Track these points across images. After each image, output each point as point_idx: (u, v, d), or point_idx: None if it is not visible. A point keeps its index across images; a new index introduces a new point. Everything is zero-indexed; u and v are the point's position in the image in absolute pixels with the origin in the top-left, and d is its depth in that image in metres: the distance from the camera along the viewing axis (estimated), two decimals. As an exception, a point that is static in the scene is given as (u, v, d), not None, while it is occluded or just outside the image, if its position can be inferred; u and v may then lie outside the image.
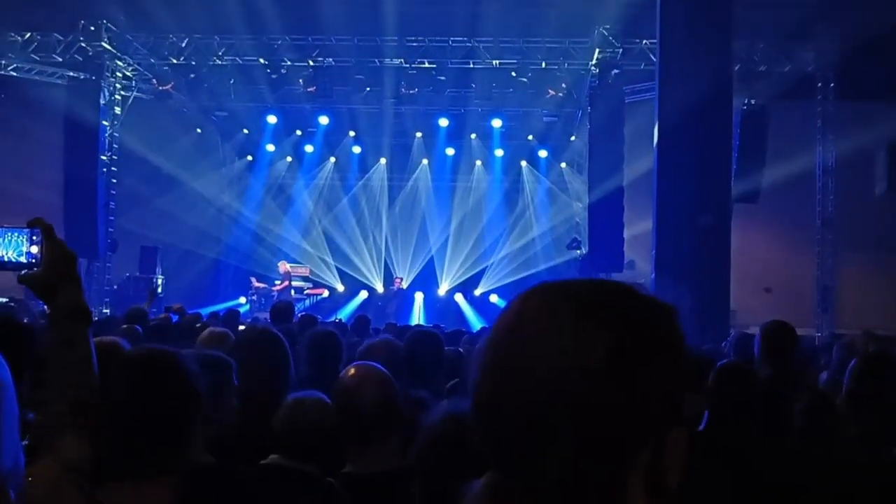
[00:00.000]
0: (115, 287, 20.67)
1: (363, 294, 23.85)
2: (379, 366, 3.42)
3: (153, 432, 2.29)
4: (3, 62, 19.77)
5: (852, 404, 3.84)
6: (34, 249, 2.11)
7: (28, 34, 19.20)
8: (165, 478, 2.27)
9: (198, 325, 8.80)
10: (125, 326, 7.30)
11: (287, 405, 3.45)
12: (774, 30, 17.84)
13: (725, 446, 3.81)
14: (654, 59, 15.32)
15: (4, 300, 15.00)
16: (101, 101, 19.50)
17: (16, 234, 2.16)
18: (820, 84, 19.30)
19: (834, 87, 19.07)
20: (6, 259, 2.18)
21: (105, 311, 18.89)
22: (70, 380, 2.03)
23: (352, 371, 3.36)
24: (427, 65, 19.69)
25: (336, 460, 3.26)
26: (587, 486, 1.06)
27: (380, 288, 24.21)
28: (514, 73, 19.65)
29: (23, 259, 2.14)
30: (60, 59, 19.49)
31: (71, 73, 19.70)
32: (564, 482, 1.05)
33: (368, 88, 20.39)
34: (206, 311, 13.57)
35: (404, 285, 23.94)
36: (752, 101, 18.48)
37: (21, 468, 1.23)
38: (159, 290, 18.81)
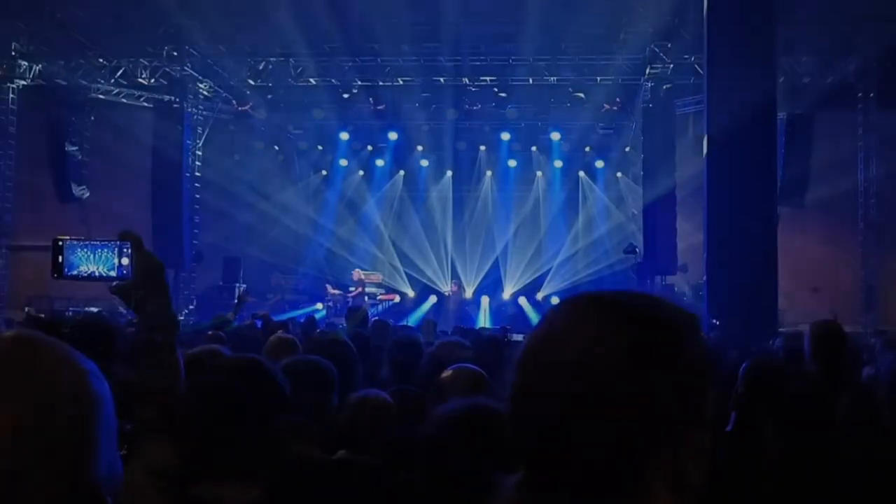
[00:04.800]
0: (200, 295, 21.34)
1: (433, 299, 24.10)
2: (473, 366, 3.49)
3: (241, 434, 2.33)
4: (94, 87, 20.57)
5: (891, 399, 3.75)
6: (125, 262, 2.11)
7: (115, 60, 20.04)
8: (254, 475, 2.32)
9: (280, 332, 8.95)
10: (210, 333, 7.68)
11: (350, 403, 3.62)
12: (817, 43, 18.06)
13: (752, 447, 3.77)
14: (703, 74, 15.32)
15: (95, 310, 15.37)
16: (185, 122, 20.28)
17: (105, 250, 2.14)
18: (860, 94, 19.58)
19: (874, 96, 19.32)
20: (97, 274, 2.15)
21: (190, 318, 19.41)
22: (156, 385, 2.05)
23: (448, 371, 3.42)
24: (489, 82, 20.23)
25: (400, 456, 3.22)
26: (612, 481, 1.09)
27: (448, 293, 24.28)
28: (570, 89, 20.31)
29: (112, 273, 2.13)
30: (146, 83, 20.31)
31: (156, 96, 20.53)
32: (590, 476, 1.09)
33: (434, 105, 21.15)
34: (284, 318, 14.02)
35: (468, 294, 24.10)
36: (797, 112, 18.89)
37: (119, 476, 1.18)
38: (248, 296, 17.98)
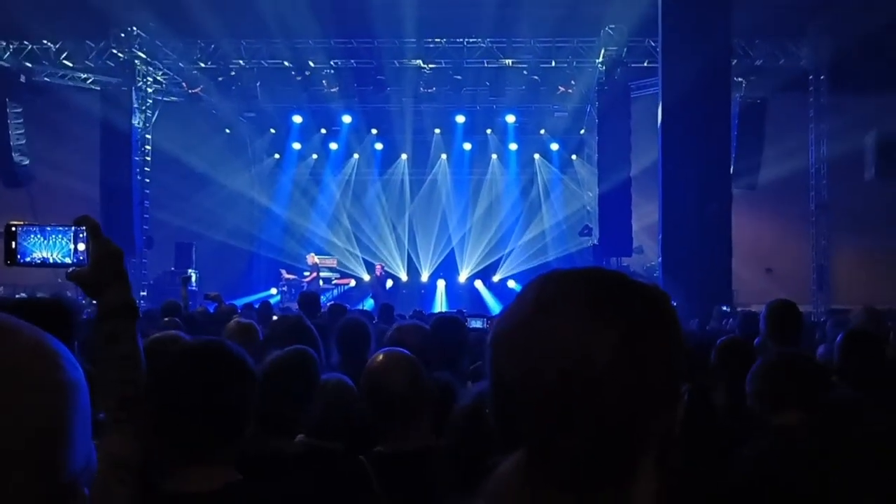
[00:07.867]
0: (152, 282, 20.91)
1: (388, 283, 23.76)
2: (405, 350, 3.39)
3: (212, 420, 2.24)
4: (38, 69, 20.07)
5: (841, 375, 3.93)
6: (81, 247, 2.04)
7: (60, 42, 19.58)
8: (224, 461, 2.26)
9: (235, 316, 8.20)
10: (167, 319, 7.47)
11: None
12: (770, 27, 18.19)
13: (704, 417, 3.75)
14: (657, 56, 15.67)
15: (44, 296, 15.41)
16: (134, 105, 19.86)
17: (60, 236, 2.06)
18: (812, 77, 19.82)
19: (825, 80, 19.60)
20: (51, 260, 2.07)
21: (142, 303, 18.56)
22: (116, 376, 1.98)
23: (380, 356, 3.30)
24: (444, 65, 20.20)
25: (362, 439, 3.27)
26: (608, 460, 1.10)
27: (403, 276, 24.55)
28: (525, 72, 20.22)
29: (68, 259, 2.06)
30: (93, 66, 19.95)
31: (103, 79, 20.08)
32: (588, 456, 1.10)
33: (389, 88, 20.84)
34: (240, 303, 13.50)
35: (423, 278, 24.34)
36: (750, 95, 19.14)
37: (93, 467, 1.11)
38: (192, 280, 18.50)
